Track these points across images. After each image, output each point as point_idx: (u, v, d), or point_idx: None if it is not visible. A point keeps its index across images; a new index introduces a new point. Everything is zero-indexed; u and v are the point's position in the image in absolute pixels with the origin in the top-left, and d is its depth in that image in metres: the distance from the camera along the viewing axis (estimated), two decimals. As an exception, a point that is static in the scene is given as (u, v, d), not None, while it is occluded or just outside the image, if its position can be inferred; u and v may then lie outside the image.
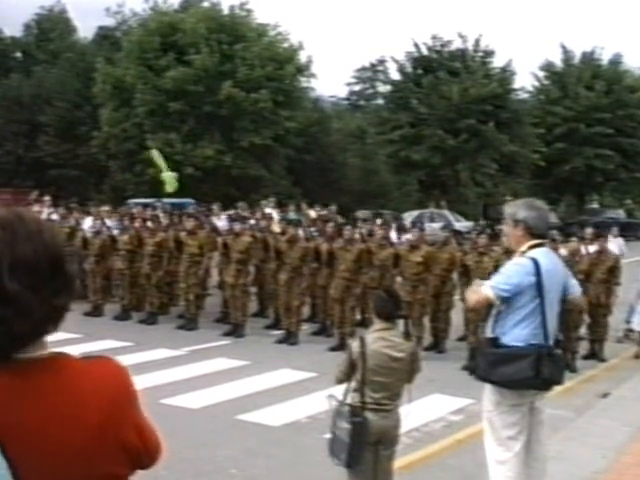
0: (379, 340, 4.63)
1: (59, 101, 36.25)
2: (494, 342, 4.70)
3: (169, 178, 14.65)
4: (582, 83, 40.11)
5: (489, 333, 4.81)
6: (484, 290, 4.70)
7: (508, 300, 4.61)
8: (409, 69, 39.83)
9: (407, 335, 4.77)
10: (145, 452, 1.66)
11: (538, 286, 4.55)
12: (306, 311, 13.01)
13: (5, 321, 1.45)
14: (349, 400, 4.66)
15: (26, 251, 1.48)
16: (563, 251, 10.76)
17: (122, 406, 1.59)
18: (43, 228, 1.55)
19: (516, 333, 4.59)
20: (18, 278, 1.46)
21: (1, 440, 1.43)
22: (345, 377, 4.72)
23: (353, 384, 4.67)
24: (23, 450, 1.45)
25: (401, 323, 4.86)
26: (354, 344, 4.73)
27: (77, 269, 1.69)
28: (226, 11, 35.20)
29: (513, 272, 4.65)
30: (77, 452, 1.51)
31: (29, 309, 1.47)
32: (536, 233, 4.68)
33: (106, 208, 16.94)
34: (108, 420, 1.55)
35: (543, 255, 4.65)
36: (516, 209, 4.72)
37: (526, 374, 4.50)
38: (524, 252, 4.66)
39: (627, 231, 22.17)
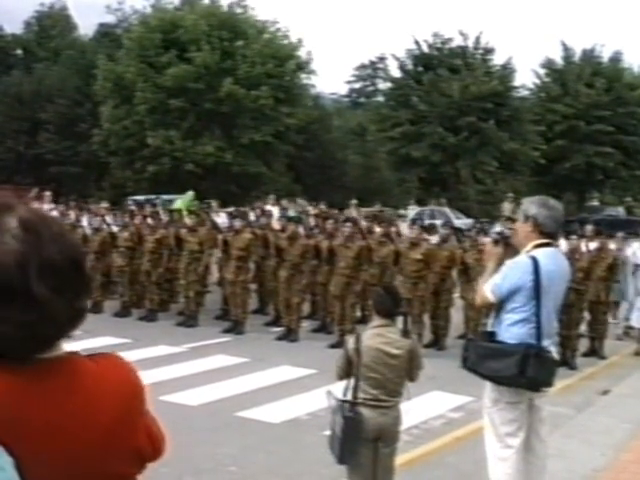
0: (376, 337, 4.62)
1: (60, 98, 36.22)
2: (489, 336, 4.70)
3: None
4: (582, 81, 40.01)
5: (488, 327, 4.81)
6: (486, 292, 4.71)
7: (506, 299, 4.61)
8: (409, 66, 39.74)
9: (406, 332, 4.76)
10: (152, 451, 1.66)
11: (535, 286, 4.53)
12: (306, 308, 13.01)
13: (29, 326, 1.39)
14: (348, 396, 4.66)
15: (53, 253, 1.42)
16: (563, 248, 10.75)
17: (135, 408, 1.57)
18: (64, 230, 1.51)
19: (512, 331, 4.59)
20: (45, 281, 1.40)
21: (11, 439, 1.42)
22: (344, 373, 4.71)
23: (352, 380, 4.67)
24: (33, 449, 1.43)
25: (400, 320, 4.85)
26: (350, 341, 4.74)
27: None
28: (225, 8, 35.17)
29: (510, 273, 4.64)
30: (87, 452, 1.50)
31: (55, 313, 1.42)
32: (545, 232, 4.63)
33: (105, 205, 16.94)
34: (120, 421, 1.53)
35: (546, 255, 4.60)
36: (529, 205, 4.69)
37: (511, 371, 4.47)
38: (528, 251, 4.64)
39: (627, 228, 22.11)
